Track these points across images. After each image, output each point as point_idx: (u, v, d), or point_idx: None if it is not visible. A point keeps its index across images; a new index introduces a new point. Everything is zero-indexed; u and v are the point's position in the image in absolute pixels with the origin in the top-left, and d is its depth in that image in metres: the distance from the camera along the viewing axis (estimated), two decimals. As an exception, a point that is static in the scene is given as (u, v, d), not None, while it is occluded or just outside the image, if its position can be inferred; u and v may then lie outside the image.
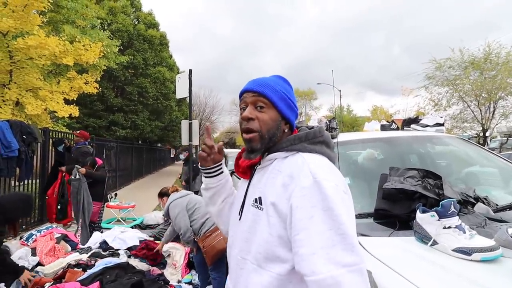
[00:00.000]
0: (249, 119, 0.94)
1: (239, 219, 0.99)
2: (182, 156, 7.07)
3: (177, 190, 3.40)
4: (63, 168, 5.03)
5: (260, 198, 0.91)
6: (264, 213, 0.88)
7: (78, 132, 5.52)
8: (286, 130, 0.99)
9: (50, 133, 6.28)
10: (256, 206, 0.91)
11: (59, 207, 5.05)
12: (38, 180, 6.07)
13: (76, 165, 4.57)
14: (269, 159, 0.96)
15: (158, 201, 3.63)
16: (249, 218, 0.93)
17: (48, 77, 7.64)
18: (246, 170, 1.04)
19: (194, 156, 6.91)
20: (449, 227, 1.17)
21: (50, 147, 6.27)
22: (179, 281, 3.35)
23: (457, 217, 1.20)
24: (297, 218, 0.79)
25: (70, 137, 6.82)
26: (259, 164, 1.00)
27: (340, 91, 30.16)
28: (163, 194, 3.49)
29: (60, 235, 3.77)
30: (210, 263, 2.86)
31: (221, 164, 1.13)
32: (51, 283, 2.69)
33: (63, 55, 6.68)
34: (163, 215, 3.97)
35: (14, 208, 2.52)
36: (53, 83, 7.30)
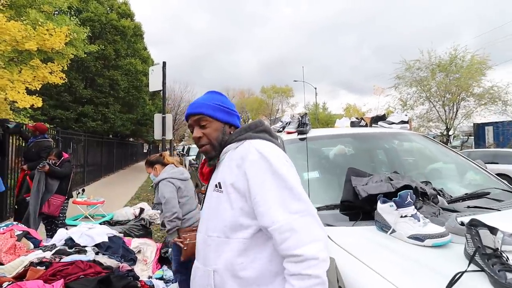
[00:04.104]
0: (199, 138, 1.15)
1: (201, 208, 1.16)
2: None
3: (174, 164, 2.97)
4: (25, 166, 4.57)
5: (219, 183, 1.07)
6: (224, 194, 1.05)
7: (32, 125, 4.99)
8: (231, 132, 1.17)
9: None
10: (217, 191, 1.08)
11: (16, 206, 4.62)
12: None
13: (44, 162, 4.20)
14: (224, 152, 1.12)
15: (146, 171, 3.16)
16: (213, 202, 1.09)
17: (9, 65, 7.14)
18: (208, 176, 1.21)
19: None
20: (406, 216, 1.25)
21: (11, 140, 5.90)
22: (149, 277, 3.30)
23: (413, 206, 1.28)
24: (253, 185, 0.97)
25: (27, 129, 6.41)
26: (218, 160, 1.16)
27: (315, 88, 30.68)
28: (155, 162, 3.03)
29: (21, 232, 3.57)
30: (184, 258, 2.81)
31: None
32: (10, 282, 2.55)
33: (25, 40, 6.24)
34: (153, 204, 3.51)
35: None
36: (14, 72, 6.83)
